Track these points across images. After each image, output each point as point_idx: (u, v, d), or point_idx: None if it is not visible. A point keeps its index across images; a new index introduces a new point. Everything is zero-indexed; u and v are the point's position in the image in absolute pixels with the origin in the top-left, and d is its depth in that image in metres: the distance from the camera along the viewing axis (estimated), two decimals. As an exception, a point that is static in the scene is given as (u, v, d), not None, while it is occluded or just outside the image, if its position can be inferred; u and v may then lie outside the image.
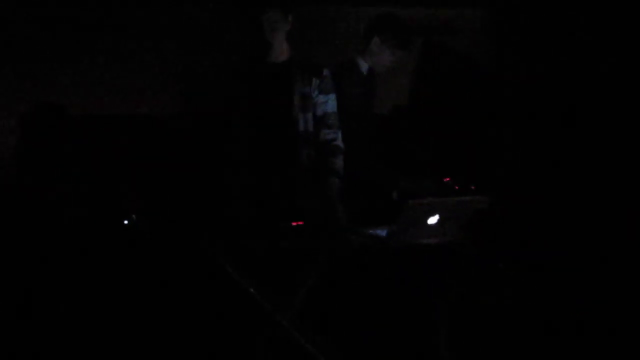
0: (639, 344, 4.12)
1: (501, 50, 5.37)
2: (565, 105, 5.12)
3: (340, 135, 4.08)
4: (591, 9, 4.96)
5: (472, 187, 4.45)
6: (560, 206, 4.98)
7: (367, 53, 4.39)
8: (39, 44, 5.04)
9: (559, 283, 4.55)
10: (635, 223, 4.71)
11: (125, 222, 4.22)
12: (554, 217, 4.94)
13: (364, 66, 4.40)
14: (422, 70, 5.00)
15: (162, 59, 5.16)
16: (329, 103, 4.06)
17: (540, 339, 4.18)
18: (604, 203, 4.84)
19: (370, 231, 3.60)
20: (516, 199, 4.85)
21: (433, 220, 3.43)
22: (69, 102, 4.90)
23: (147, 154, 4.91)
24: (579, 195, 4.94)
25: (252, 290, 3.53)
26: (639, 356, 4.06)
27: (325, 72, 4.08)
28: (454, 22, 5.40)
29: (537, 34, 5.23)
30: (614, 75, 4.90)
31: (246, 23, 3.98)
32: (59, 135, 4.79)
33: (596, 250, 4.70)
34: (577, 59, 5.06)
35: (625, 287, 4.51)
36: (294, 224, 3.68)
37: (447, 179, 4.53)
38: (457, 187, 4.48)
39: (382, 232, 3.52)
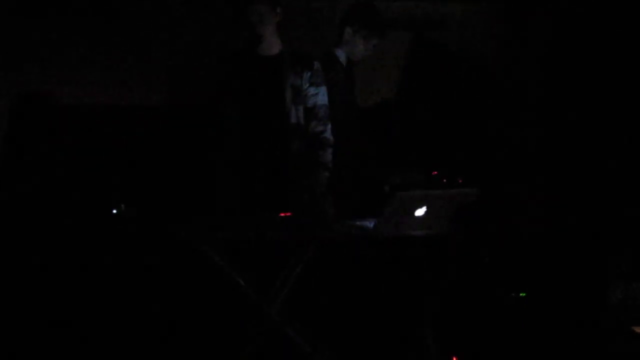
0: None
1: (501, 46, 5.37)
2: (558, 100, 5.13)
3: (329, 127, 4.09)
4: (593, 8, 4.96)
5: (460, 180, 4.48)
6: (548, 200, 5.00)
7: (342, 44, 4.41)
8: (27, 33, 5.01)
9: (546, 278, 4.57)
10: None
11: (114, 211, 4.22)
12: (542, 212, 4.96)
13: (342, 57, 4.42)
14: (412, 65, 5.00)
15: (153, 51, 5.13)
16: (319, 95, 4.08)
17: (527, 332, 4.20)
18: (594, 199, 4.84)
19: (358, 222, 3.62)
20: (504, 193, 4.87)
21: (420, 212, 3.44)
22: (56, 91, 4.89)
23: (136, 144, 4.90)
24: (568, 190, 4.95)
25: (239, 280, 3.54)
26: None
27: (316, 64, 4.09)
28: (446, 17, 5.40)
29: (540, 31, 5.24)
30: (608, 76, 4.90)
31: (237, 15, 3.99)
32: (46, 124, 4.77)
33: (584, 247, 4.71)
34: (577, 58, 5.06)
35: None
36: (281, 215, 3.69)
37: (435, 172, 4.55)
38: (444, 180, 4.50)
39: (370, 224, 3.53)
